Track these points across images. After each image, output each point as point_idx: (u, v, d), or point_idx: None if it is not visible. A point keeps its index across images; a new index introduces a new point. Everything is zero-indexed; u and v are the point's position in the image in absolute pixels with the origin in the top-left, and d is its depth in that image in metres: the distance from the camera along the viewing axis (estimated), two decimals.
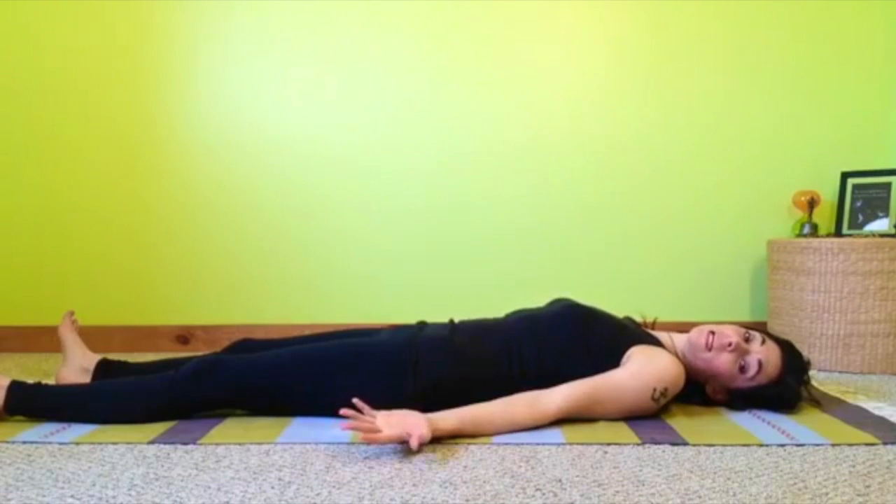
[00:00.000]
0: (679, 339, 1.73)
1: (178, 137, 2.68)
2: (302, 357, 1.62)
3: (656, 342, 1.69)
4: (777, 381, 1.65)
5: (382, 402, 1.52)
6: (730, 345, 1.63)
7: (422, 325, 1.82)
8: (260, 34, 2.65)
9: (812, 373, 2.19)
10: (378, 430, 1.34)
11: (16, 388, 1.58)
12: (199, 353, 1.85)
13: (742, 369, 1.64)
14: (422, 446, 1.38)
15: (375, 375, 1.58)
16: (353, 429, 1.33)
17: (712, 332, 1.66)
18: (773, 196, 2.65)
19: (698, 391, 1.71)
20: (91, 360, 1.87)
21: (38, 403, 1.59)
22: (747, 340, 1.66)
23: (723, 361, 1.64)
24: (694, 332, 1.70)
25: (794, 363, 1.68)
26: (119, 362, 1.88)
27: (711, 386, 1.71)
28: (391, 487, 1.19)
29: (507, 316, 1.81)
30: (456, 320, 1.80)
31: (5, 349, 2.68)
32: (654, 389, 1.56)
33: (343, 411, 1.37)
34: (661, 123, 2.65)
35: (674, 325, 1.88)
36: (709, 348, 1.65)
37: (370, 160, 2.68)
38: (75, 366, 1.87)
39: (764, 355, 1.64)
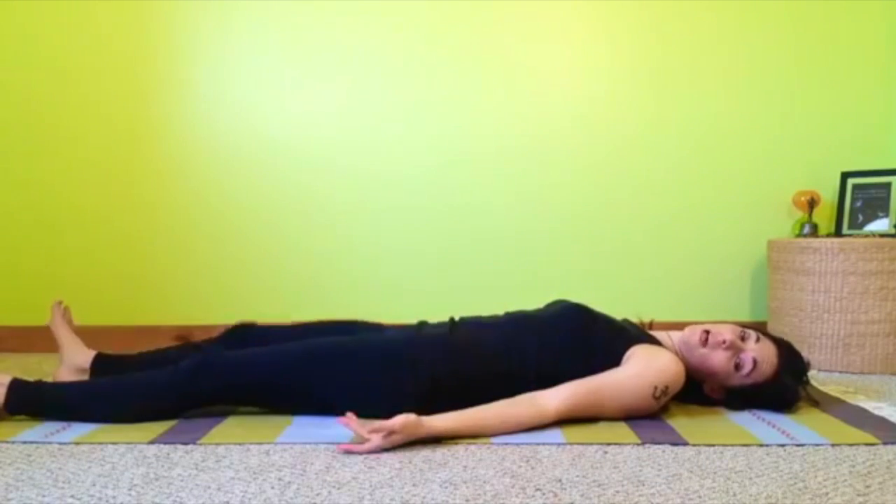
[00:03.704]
0: (677, 337, 1.74)
1: (177, 136, 2.68)
2: (302, 354, 1.62)
3: (655, 342, 1.69)
4: (773, 380, 1.65)
5: (382, 400, 1.53)
6: (724, 342, 1.63)
7: (422, 324, 1.82)
8: (259, 34, 2.65)
9: (812, 373, 2.20)
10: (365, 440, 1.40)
11: (17, 386, 1.59)
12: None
13: (737, 367, 1.64)
14: (406, 440, 1.41)
15: (375, 374, 1.59)
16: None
17: (706, 331, 1.66)
18: (773, 196, 2.65)
19: (696, 390, 1.71)
20: (88, 356, 1.87)
21: (38, 401, 1.59)
22: (742, 339, 1.66)
23: (718, 359, 1.64)
24: (687, 330, 1.70)
25: (792, 362, 1.68)
26: (116, 356, 1.87)
27: (709, 384, 1.71)
28: (391, 487, 1.19)
29: (507, 315, 1.81)
30: (456, 318, 1.81)
31: (5, 349, 2.68)
32: (656, 388, 1.56)
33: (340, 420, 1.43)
34: (661, 123, 2.65)
35: (673, 326, 1.87)
36: (703, 345, 1.65)
37: (370, 160, 2.68)
38: (72, 365, 1.87)
39: (759, 353, 1.64)
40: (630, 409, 1.58)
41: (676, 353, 1.68)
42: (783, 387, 1.67)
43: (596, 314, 1.73)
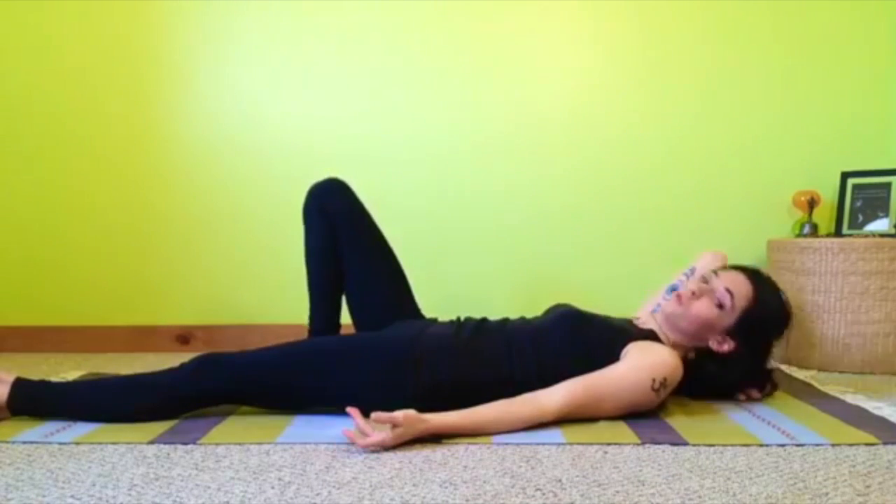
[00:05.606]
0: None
1: (178, 136, 2.68)
2: (305, 352, 1.63)
3: (653, 338, 1.70)
4: (756, 299, 1.68)
5: (383, 399, 1.53)
6: (693, 292, 1.68)
7: (426, 322, 1.83)
8: (261, 32, 2.65)
9: (812, 373, 2.21)
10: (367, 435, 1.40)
11: (21, 384, 1.60)
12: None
13: (720, 306, 1.67)
14: (409, 436, 1.42)
15: (377, 372, 1.60)
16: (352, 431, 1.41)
17: (677, 294, 1.71)
18: (772, 196, 2.64)
19: (703, 381, 1.73)
20: None
21: (42, 400, 1.60)
22: (705, 281, 1.71)
23: (699, 308, 1.68)
24: (662, 305, 1.76)
25: (760, 278, 1.73)
26: None
27: (712, 339, 1.71)
28: (391, 487, 1.19)
29: (508, 321, 1.82)
30: (462, 318, 1.81)
31: (5, 349, 2.68)
32: (654, 380, 1.56)
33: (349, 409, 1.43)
34: (660, 123, 2.65)
35: None
36: (680, 305, 1.69)
37: (370, 159, 2.68)
38: None
39: (726, 282, 1.68)
40: (630, 404, 1.58)
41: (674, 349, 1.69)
42: (768, 301, 1.70)
43: (591, 316, 1.74)
